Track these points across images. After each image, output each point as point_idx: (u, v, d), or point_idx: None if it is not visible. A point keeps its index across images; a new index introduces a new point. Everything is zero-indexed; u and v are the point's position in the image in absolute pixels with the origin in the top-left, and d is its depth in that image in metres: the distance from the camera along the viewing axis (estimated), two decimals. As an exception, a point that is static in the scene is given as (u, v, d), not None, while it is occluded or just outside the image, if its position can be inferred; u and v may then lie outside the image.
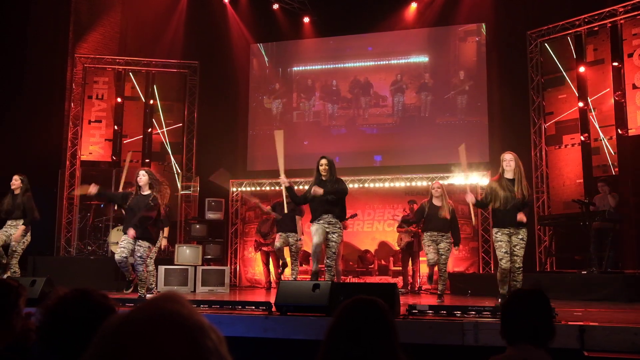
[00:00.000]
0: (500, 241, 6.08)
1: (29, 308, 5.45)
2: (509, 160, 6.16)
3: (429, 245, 7.59)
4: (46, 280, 5.80)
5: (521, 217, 5.95)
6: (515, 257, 6.01)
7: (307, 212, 8.81)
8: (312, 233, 6.62)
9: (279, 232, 8.49)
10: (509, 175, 6.13)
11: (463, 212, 10.51)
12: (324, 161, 6.66)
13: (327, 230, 6.49)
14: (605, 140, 9.76)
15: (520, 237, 6.03)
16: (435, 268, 7.72)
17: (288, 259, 8.66)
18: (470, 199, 6.27)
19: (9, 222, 7.54)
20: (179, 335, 0.78)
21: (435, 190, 7.71)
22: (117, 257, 6.58)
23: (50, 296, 1.90)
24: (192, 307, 0.84)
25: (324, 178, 6.63)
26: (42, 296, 5.59)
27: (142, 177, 6.81)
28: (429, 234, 7.60)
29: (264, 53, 13.03)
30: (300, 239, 8.35)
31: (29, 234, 7.62)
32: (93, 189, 6.80)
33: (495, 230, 6.17)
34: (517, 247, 6.03)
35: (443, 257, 7.54)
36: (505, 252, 6.03)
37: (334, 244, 6.50)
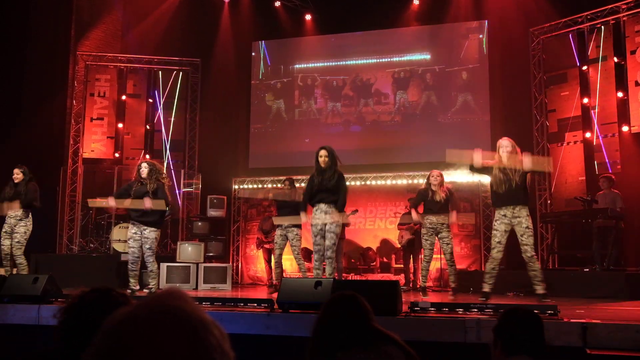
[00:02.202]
0: (497, 230, 6.07)
1: (32, 305, 5.45)
2: (505, 147, 6.13)
3: (426, 239, 7.49)
4: (48, 278, 5.80)
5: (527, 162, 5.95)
6: (524, 247, 5.97)
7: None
8: (312, 233, 6.62)
9: (277, 228, 8.45)
10: (506, 162, 6.11)
11: (465, 209, 10.52)
12: (323, 152, 6.64)
13: (326, 221, 6.49)
14: (608, 138, 9.74)
15: (524, 225, 5.98)
16: (438, 265, 7.69)
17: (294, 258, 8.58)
18: (477, 156, 6.07)
19: (9, 213, 7.53)
20: (182, 331, 0.78)
21: (434, 179, 7.68)
22: (130, 257, 6.93)
23: (70, 295, 1.90)
24: (195, 303, 0.84)
25: (323, 165, 6.62)
26: (44, 293, 5.59)
27: (144, 168, 6.97)
28: (428, 221, 7.49)
29: (265, 50, 13.02)
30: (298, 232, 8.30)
31: (30, 222, 7.62)
32: (111, 202, 6.99)
33: (495, 216, 6.14)
34: (524, 235, 5.98)
35: (449, 246, 7.43)
36: (498, 242, 6.03)
37: (332, 234, 6.49)
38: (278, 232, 8.35)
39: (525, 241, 5.98)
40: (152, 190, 6.89)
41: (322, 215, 6.52)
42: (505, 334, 2.38)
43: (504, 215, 6.08)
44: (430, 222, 7.48)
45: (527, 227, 5.98)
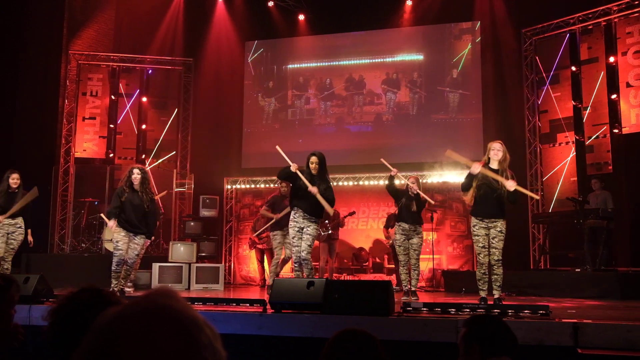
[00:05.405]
0: (477, 235, 5.98)
1: (23, 305, 5.42)
2: (497, 150, 6.05)
3: (399, 245, 7.40)
4: (39, 278, 5.77)
5: (511, 185, 5.79)
6: (493, 250, 5.90)
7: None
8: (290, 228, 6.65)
9: (275, 230, 8.41)
10: (494, 165, 6.04)
11: (457, 209, 10.56)
12: (314, 159, 6.67)
13: (302, 225, 6.53)
14: (599, 139, 9.79)
15: (498, 229, 5.94)
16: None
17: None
18: (474, 169, 5.92)
19: (5, 221, 7.52)
20: (173, 330, 0.77)
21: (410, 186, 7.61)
22: (116, 259, 6.87)
23: (60, 296, 1.87)
24: (186, 302, 0.83)
25: (314, 172, 6.66)
26: (35, 293, 5.55)
27: (137, 175, 6.96)
28: (400, 227, 7.41)
29: (258, 51, 13.00)
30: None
31: (24, 229, 7.64)
32: (112, 224, 6.97)
33: (473, 222, 6.06)
34: (495, 239, 5.92)
35: (416, 252, 7.34)
36: (483, 247, 5.97)
37: (308, 236, 6.52)
38: (278, 233, 8.32)
39: (496, 244, 5.89)
40: (147, 203, 6.93)
41: (300, 219, 6.58)
42: (482, 339, 2.43)
43: (482, 220, 6.04)
44: (403, 228, 7.43)
45: (501, 232, 5.93)
